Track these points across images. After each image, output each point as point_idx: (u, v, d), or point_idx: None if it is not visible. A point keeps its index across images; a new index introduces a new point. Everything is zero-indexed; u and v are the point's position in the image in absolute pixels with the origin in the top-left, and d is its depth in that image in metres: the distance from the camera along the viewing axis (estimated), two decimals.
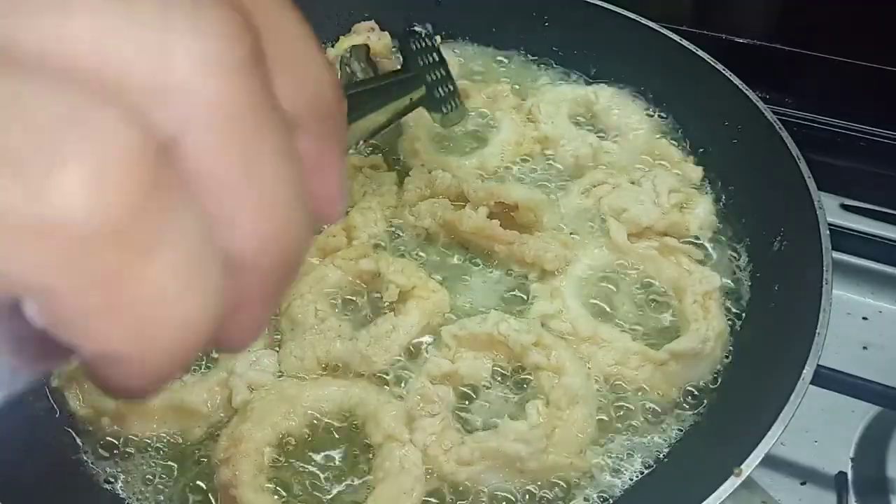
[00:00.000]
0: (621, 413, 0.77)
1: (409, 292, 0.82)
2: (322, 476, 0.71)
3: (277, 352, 0.79)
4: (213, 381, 0.75)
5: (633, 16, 1.09)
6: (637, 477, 0.73)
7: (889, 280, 1.08)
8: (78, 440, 0.74)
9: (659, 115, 1.09)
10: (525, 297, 0.86)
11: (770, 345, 0.79)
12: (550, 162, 1.02)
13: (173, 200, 0.21)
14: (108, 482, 0.72)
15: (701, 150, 1.03)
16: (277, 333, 0.81)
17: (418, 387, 0.75)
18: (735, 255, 0.92)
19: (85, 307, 0.20)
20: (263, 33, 0.24)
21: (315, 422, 0.74)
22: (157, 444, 0.74)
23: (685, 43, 1.04)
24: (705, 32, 1.23)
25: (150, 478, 0.72)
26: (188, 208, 0.22)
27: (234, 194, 0.23)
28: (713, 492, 0.62)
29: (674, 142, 1.05)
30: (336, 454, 0.73)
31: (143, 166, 0.20)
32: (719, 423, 0.75)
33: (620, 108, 1.07)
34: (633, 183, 0.95)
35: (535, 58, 1.18)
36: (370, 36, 1.13)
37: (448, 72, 0.97)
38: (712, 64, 1.01)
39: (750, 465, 0.63)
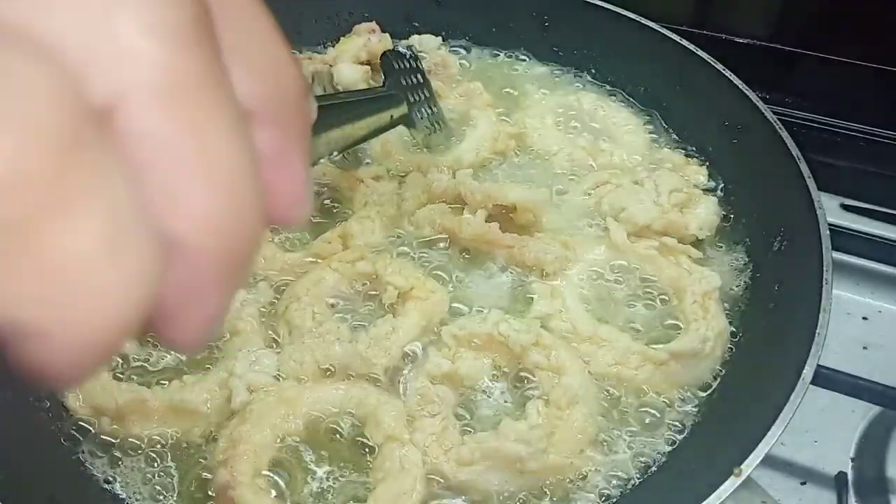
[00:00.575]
0: (621, 413, 0.77)
1: (408, 293, 0.82)
2: (322, 477, 0.71)
3: (279, 353, 0.79)
4: (213, 381, 0.75)
5: (633, 16, 1.09)
6: (637, 477, 0.73)
7: (889, 280, 1.08)
8: (78, 440, 0.74)
9: (659, 115, 1.09)
10: (525, 297, 0.86)
11: (770, 344, 0.79)
12: (542, 160, 1.03)
13: (99, 164, 0.20)
14: (108, 482, 0.72)
15: (701, 150, 1.03)
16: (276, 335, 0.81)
17: (418, 387, 0.75)
18: (735, 254, 0.92)
19: None
20: (223, 21, 0.24)
21: (315, 423, 0.74)
22: (157, 445, 0.74)
23: (685, 43, 1.04)
24: (705, 32, 1.23)
25: (150, 478, 0.72)
26: (117, 174, 0.21)
27: (176, 165, 0.22)
28: (713, 492, 0.62)
29: (674, 141, 1.05)
30: (336, 455, 0.73)
31: (63, 122, 0.19)
32: (719, 423, 0.75)
33: (606, 110, 1.08)
34: (636, 183, 0.95)
35: (536, 58, 1.18)
36: (370, 37, 1.13)
37: (432, 93, 0.97)
38: (712, 64, 1.01)
39: (750, 465, 0.63)
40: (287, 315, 0.80)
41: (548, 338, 0.78)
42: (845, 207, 1.13)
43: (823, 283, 0.75)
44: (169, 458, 0.73)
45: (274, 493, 0.70)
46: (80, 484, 0.71)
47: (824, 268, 0.76)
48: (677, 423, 0.77)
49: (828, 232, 0.79)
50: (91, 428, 0.75)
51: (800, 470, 0.89)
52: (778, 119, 0.92)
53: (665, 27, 1.07)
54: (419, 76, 0.96)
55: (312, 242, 0.89)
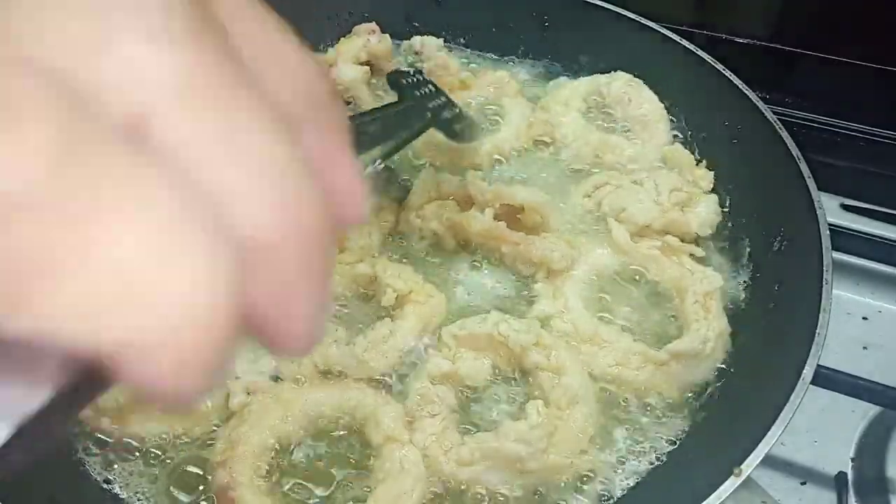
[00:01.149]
0: (621, 413, 0.77)
1: (406, 297, 0.82)
2: (322, 477, 0.71)
3: None
4: None
5: (633, 16, 1.09)
6: (637, 477, 0.73)
7: (889, 280, 1.08)
8: (78, 440, 0.74)
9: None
10: (526, 298, 0.86)
11: (770, 344, 0.79)
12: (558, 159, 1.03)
13: (132, 176, 0.19)
14: (108, 482, 0.72)
15: (701, 150, 1.03)
16: None
17: (418, 387, 0.75)
18: (735, 254, 0.92)
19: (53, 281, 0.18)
20: (238, 35, 0.23)
21: (313, 424, 0.74)
22: (157, 445, 0.73)
23: (685, 43, 1.04)
24: (705, 32, 1.23)
25: (150, 477, 0.72)
26: (158, 185, 0.20)
27: (222, 167, 0.21)
28: (713, 492, 0.62)
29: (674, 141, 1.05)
30: (335, 456, 0.73)
31: (72, 136, 0.19)
32: (719, 423, 0.75)
33: (634, 97, 1.07)
34: (635, 183, 0.95)
35: (536, 58, 1.18)
36: (370, 38, 1.13)
37: (448, 97, 0.97)
38: (712, 64, 1.01)
39: (750, 465, 0.63)
40: None
41: (548, 338, 0.78)
42: (845, 207, 1.13)
43: (823, 283, 0.75)
44: (169, 458, 0.73)
45: (273, 493, 0.70)
46: (79, 484, 0.71)
47: (824, 268, 0.76)
48: (677, 424, 0.77)
49: (828, 232, 0.79)
50: (91, 428, 0.75)
51: (800, 470, 0.89)
52: (778, 119, 0.92)
53: (665, 27, 1.07)
54: (429, 87, 0.97)
55: None
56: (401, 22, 1.19)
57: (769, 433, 0.65)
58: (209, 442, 0.73)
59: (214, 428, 0.74)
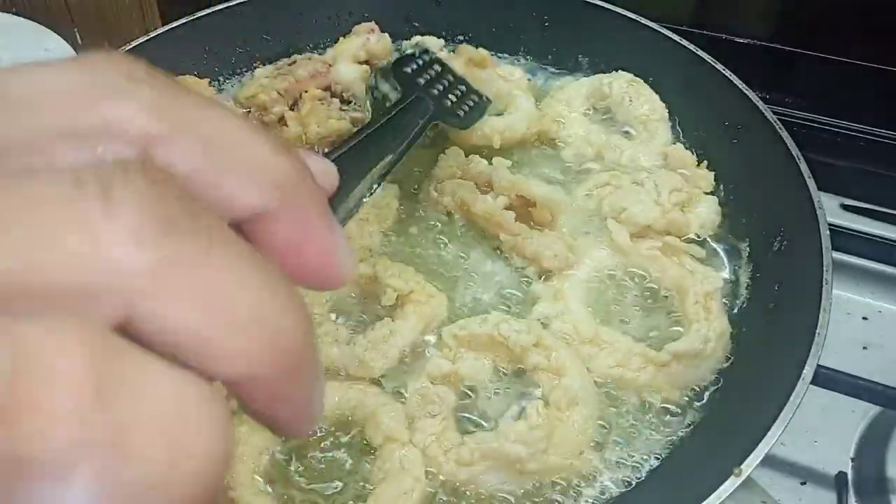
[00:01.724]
0: (621, 414, 0.77)
1: (407, 297, 0.82)
2: (321, 478, 0.71)
3: None
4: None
5: (633, 16, 1.09)
6: (637, 477, 0.73)
7: (889, 280, 1.08)
8: None
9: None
10: (527, 298, 0.86)
11: (770, 345, 0.79)
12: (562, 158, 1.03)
13: (130, 372, 0.21)
14: None
15: (701, 150, 1.03)
16: None
17: (419, 387, 0.75)
18: (735, 254, 0.92)
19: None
20: (207, 137, 0.25)
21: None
22: None
23: (685, 43, 1.04)
24: (705, 32, 1.22)
25: None
26: (153, 372, 0.21)
27: (200, 338, 0.23)
28: (713, 492, 0.62)
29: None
30: (335, 456, 0.73)
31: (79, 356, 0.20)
32: (719, 423, 0.75)
33: (635, 96, 1.06)
34: (636, 183, 0.94)
35: (536, 58, 1.18)
36: (369, 37, 1.13)
37: (455, 75, 0.96)
38: (712, 64, 1.01)
39: (750, 465, 0.63)
40: None
41: (548, 339, 0.78)
42: (845, 207, 1.13)
43: (823, 283, 0.75)
44: None
45: (273, 494, 0.70)
46: None
47: (824, 268, 0.76)
48: (677, 424, 0.77)
49: (828, 232, 0.79)
50: None
51: (800, 470, 0.89)
52: (778, 119, 0.92)
53: (665, 27, 1.07)
54: (436, 66, 0.95)
55: None
56: (401, 22, 1.19)
57: (769, 433, 0.65)
58: None
59: None
